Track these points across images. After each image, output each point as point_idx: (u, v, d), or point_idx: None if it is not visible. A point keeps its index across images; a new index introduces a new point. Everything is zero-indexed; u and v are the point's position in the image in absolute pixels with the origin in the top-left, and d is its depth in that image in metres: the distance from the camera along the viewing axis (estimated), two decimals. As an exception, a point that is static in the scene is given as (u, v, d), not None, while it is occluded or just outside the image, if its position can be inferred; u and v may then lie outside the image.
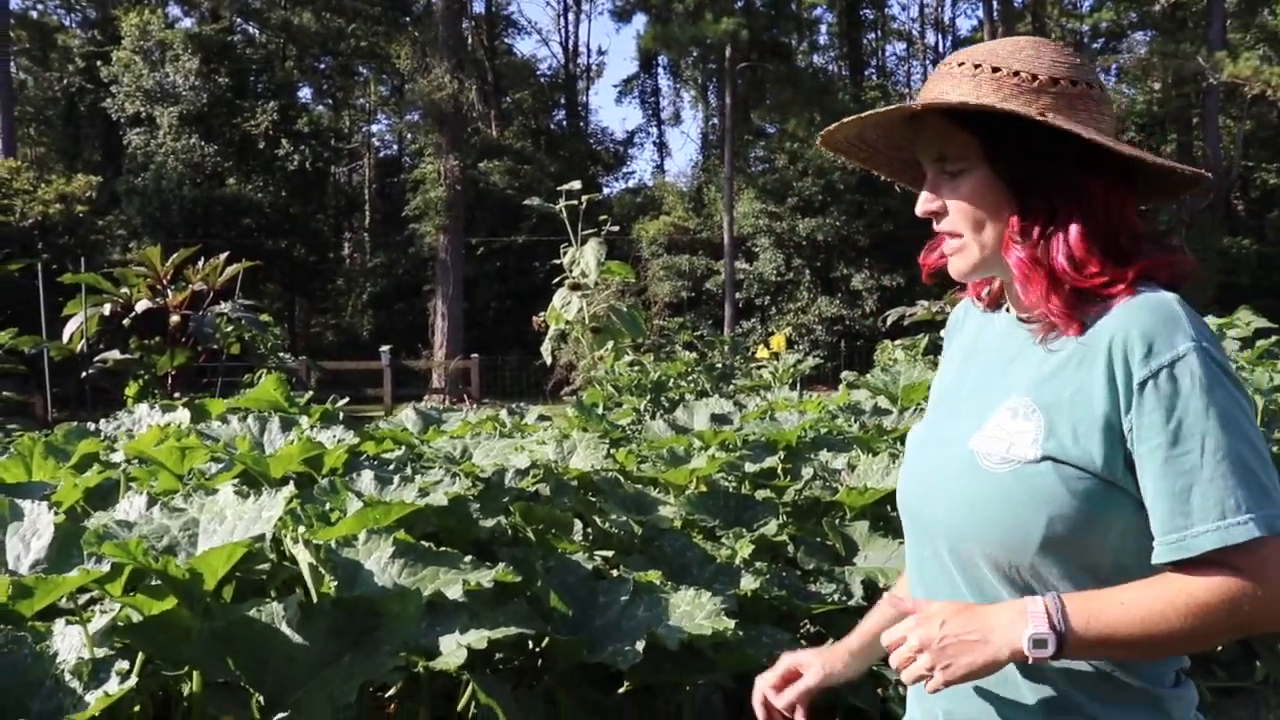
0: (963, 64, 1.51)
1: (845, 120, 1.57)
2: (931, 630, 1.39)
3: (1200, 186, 1.58)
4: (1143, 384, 1.38)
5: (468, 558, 2.27)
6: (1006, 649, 1.36)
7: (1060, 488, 1.41)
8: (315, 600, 2.10)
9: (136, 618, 1.99)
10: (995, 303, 1.67)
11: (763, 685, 1.82)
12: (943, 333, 1.85)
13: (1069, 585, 1.43)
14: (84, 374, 6.77)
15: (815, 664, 1.79)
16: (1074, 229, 1.46)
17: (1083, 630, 1.36)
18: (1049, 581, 1.44)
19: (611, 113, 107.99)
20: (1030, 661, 1.36)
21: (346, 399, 4.04)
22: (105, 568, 1.86)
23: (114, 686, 1.63)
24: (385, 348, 23.97)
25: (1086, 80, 1.50)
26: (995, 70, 1.48)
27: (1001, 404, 1.50)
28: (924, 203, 1.57)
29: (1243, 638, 1.38)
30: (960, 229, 1.54)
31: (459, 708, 2.52)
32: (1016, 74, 1.48)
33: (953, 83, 1.51)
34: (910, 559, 1.67)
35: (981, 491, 1.46)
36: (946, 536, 1.53)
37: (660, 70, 48.47)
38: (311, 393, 4.28)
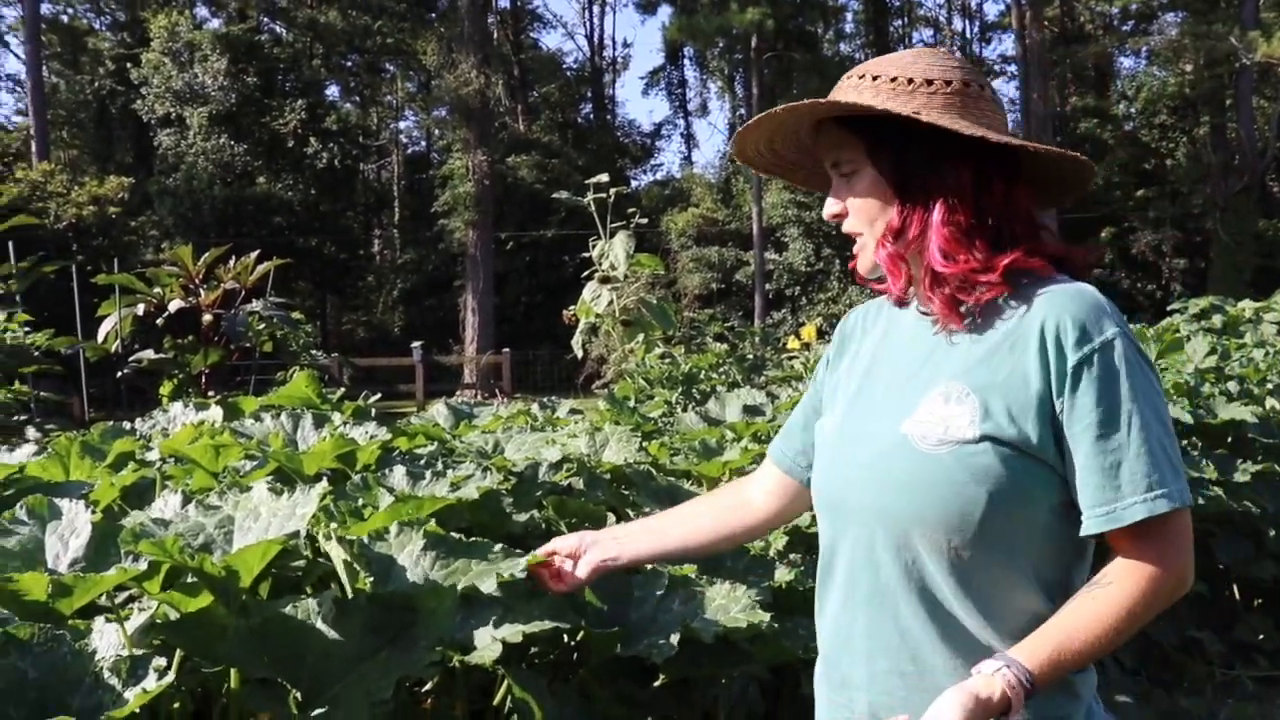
0: (861, 76, 1.63)
1: (748, 124, 1.69)
2: None
3: (1088, 178, 1.67)
4: (1076, 367, 1.47)
5: (499, 547, 2.27)
6: None
7: (999, 466, 1.48)
8: (350, 596, 2.11)
9: (173, 615, 2.01)
10: (902, 297, 1.73)
11: (560, 547, 2.06)
12: (831, 340, 1.94)
13: (1000, 561, 1.50)
14: (119, 374, 6.82)
15: (611, 545, 2.03)
16: (943, 219, 1.56)
17: (1047, 682, 1.45)
18: (983, 558, 1.51)
19: (638, 105, 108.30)
20: None
21: (379, 395, 4.05)
22: (142, 566, 1.87)
23: (152, 683, 1.64)
24: (416, 344, 24.06)
25: (964, 80, 1.60)
26: (876, 78, 1.60)
27: (931, 390, 1.56)
28: (829, 207, 1.69)
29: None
30: (859, 228, 1.65)
31: (495, 702, 2.52)
32: (894, 79, 1.59)
33: (844, 93, 1.63)
34: (825, 553, 1.72)
35: (921, 473, 1.52)
36: (881, 522, 1.58)
37: (686, 61, 48.45)
38: (344, 389, 4.30)
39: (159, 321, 7.00)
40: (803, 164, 1.81)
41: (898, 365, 1.66)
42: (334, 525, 2.28)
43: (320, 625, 1.97)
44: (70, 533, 2.07)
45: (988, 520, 1.48)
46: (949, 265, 1.55)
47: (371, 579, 2.13)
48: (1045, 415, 1.48)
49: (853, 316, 1.88)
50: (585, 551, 2.04)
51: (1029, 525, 1.51)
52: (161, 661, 1.70)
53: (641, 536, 2.05)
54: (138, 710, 1.73)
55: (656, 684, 2.69)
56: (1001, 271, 1.54)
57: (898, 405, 1.60)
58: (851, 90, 1.62)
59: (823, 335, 9.34)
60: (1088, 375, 1.47)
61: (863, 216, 1.64)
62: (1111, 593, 1.47)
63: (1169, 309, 9.06)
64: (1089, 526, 1.49)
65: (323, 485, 2.12)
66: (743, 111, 42.27)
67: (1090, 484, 1.48)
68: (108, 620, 1.91)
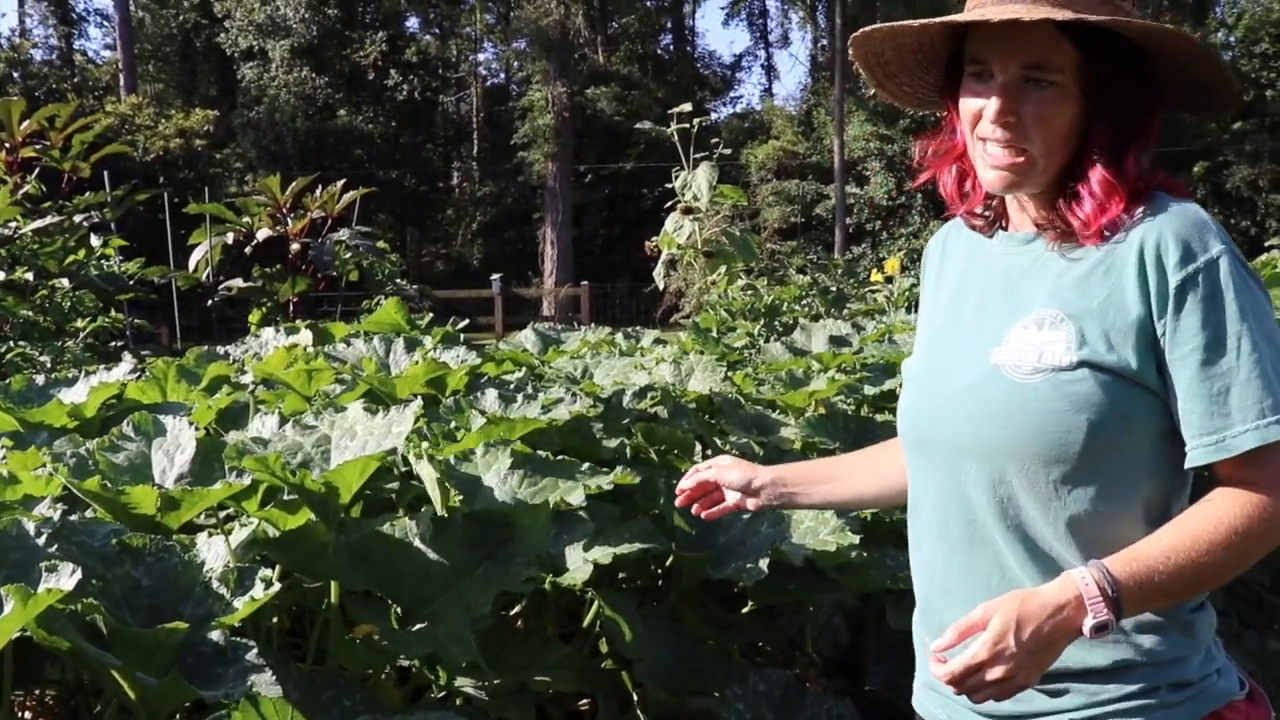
0: None
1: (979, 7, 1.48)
2: (1005, 657, 1.31)
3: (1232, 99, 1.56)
4: (1180, 287, 1.39)
5: (585, 465, 2.28)
6: (1068, 643, 1.34)
7: (1099, 393, 1.40)
8: (445, 515, 2.14)
9: (272, 533, 2.05)
10: (992, 224, 1.64)
11: (725, 479, 1.90)
12: (920, 266, 1.82)
13: (1101, 494, 1.43)
14: (210, 301, 6.94)
15: (787, 493, 1.88)
16: (1140, 149, 1.48)
17: (1136, 599, 1.34)
18: (1082, 492, 1.44)
19: (719, 36, 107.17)
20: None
21: (466, 323, 4.08)
22: (246, 481, 1.91)
23: (260, 592, 1.68)
24: (495, 276, 24.20)
25: None
26: None
27: (1022, 317, 1.49)
28: (1002, 112, 1.47)
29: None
30: (1030, 144, 1.48)
31: (584, 625, 2.56)
32: None
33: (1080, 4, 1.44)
34: (917, 488, 1.64)
35: (1016, 403, 1.45)
36: (977, 457, 1.50)
37: (768, -9, 47.57)
38: (432, 317, 4.34)
39: (247, 250, 7.07)
40: (913, 67, 1.65)
41: (986, 292, 1.58)
42: (425, 445, 2.31)
43: (418, 543, 2.01)
44: (176, 449, 2.12)
45: (1087, 450, 1.41)
46: (1121, 184, 1.46)
47: (461, 498, 2.15)
48: (1146, 340, 1.41)
49: (932, 245, 1.79)
50: (759, 490, 1.88)
51: (1131, 455, 1.43)
52: (269, 572, 1.74)
53: (816, 487, 1.90)
54: (243, 620, 1.78)
55: (745, 610, 2.70)
56: (1135, 191, 1.46)
57: (986, 334, 1.52)
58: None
59: (905, 269, 9.22)
60: (1192, 296, 1.39)
61: (1048, 132, 1.47)
62: (1218, 517, 1.38)
63: (1266, 245, 8.79)
64: (1196, 456, 1.41)
65: (417, 404, 2.15)
66: (824, 42, 41.54)
67: (1196, 411, 1.39)
68: (211, 535, 1.96)
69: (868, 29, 1.57)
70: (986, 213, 1.64)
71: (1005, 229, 1.62)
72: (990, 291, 1.57)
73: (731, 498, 1.92)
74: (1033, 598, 1.34)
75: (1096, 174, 1.47)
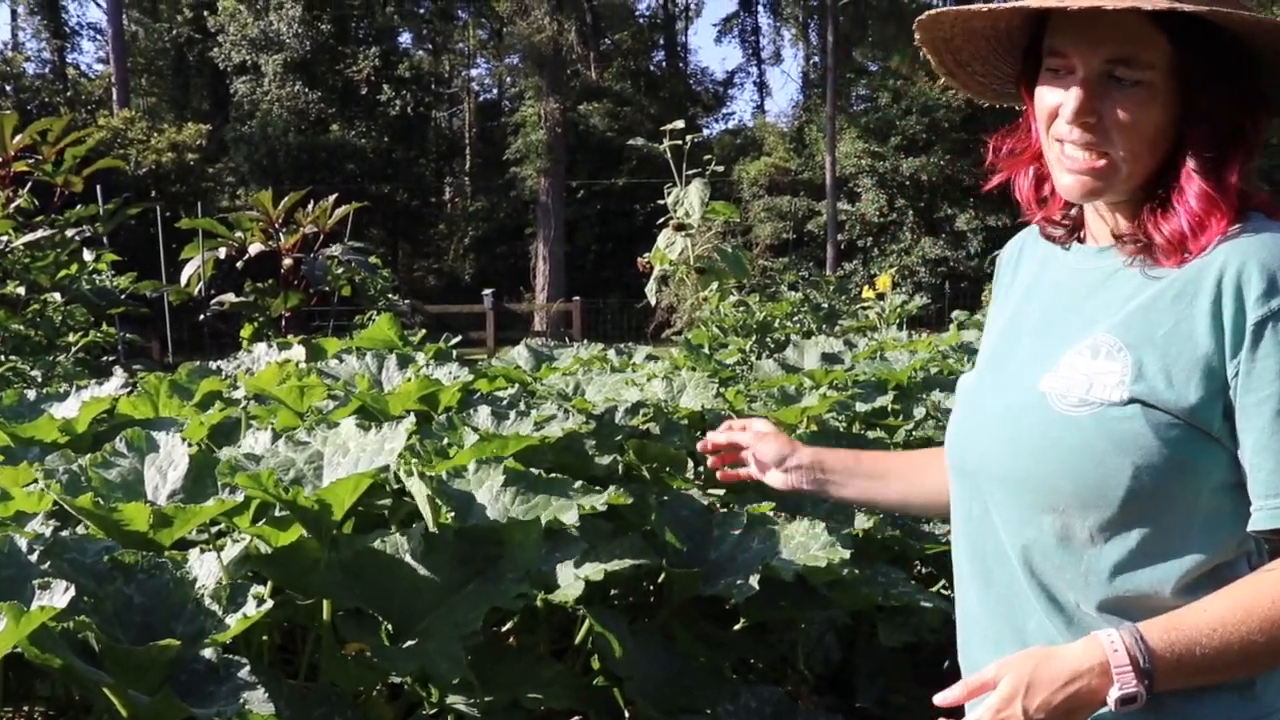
0: None
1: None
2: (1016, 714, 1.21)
3: None
4: (1259, 324, 1.22)
5: (578, 483, 2.29)
6: (1089, 714, 1.22)
7: (1149, 434, 1.24)
8: (436, 531, 2.14)
9: (264, 549, 2.05)
10: (1069, 234, 1.48)
11: (754, 446, 1.85)
12: (995, 273, 1.67)
13: (1142, 550, 1.28)
14: (202, 316, 6.94)
15: (822, 479, 1.81)
16: (1243, 160, 1.31)
17: (1173, 672, 1.20)
18: (1120, 544, 1.28)
19: (711, 53, 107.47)
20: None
21: (459, 339, 4.09)
22: (239, 498, 1.92)
23: (252, 609, 1.68)
24: (487, 291, 24.20)
25: None
26: None
27: (1078, 342, 1.33)
28: (1080, 112, 1.31)
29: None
30: (1114, 148, 1.31)
31: (576, 642, 2.56)
32: None
33: None
34: (958, 515, 1.51)
35: (1056, 437, 1.30)
36: (1008, 489, 1.37)
37: (760, 8, 47.93)
38: (424, 333, 4.35)
39: (239, 265, 7.08)
40: (987, 55, 1.48)
41: (1050, 309, 1.43)
42: (415, 463, 2.31)
43: (409, 559, 2.01)
44: (168, 465, 2.12)
45: (1131, 497, 1.25)
46: (1223, 199, 1.29)
47: (453, 515, 2.16)
48: (1213, 380, 1.24)
49: (1007, 251, 1.62)
50: (792, 469, 1.80)
51: (1182, 508, 1.27)
52: (261, 589, 1.74)
53: (857, 481, 1.80)
54: (235, 637, 1.78)
55: (737, 627, 2.71)
56: (1236, 208, 1.29)
57: (1041, 356, 1.38)
58: None
59: (896, 286, 9.24)
60: (1272, 335, 1.21)
61: (1134, 136, 1.30)
62: (1278, 591, 1.20)
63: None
64: (1261, 519, 1.24)
65: (410, 421, 2.15)
66: (816, 59, 41.72)
67: (1266, 467, 1.23)
68: (204, 551, 1.96)
69: (935, 12, 1.39)
70: (1065, 221, 1.48)
71: (1083, 240, 1.47)
72: (1054, 308, 1.43)
73: (753, 470, 1.85)
74: (1050, 661, 1.21)
75: (1194, 186, 1.30)
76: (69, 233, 6.02)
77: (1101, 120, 1.30)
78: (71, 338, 5.92)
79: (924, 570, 3.25)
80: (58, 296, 5.84)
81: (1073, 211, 1.47)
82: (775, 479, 1.84)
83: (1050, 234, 1.50)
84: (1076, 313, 1.38)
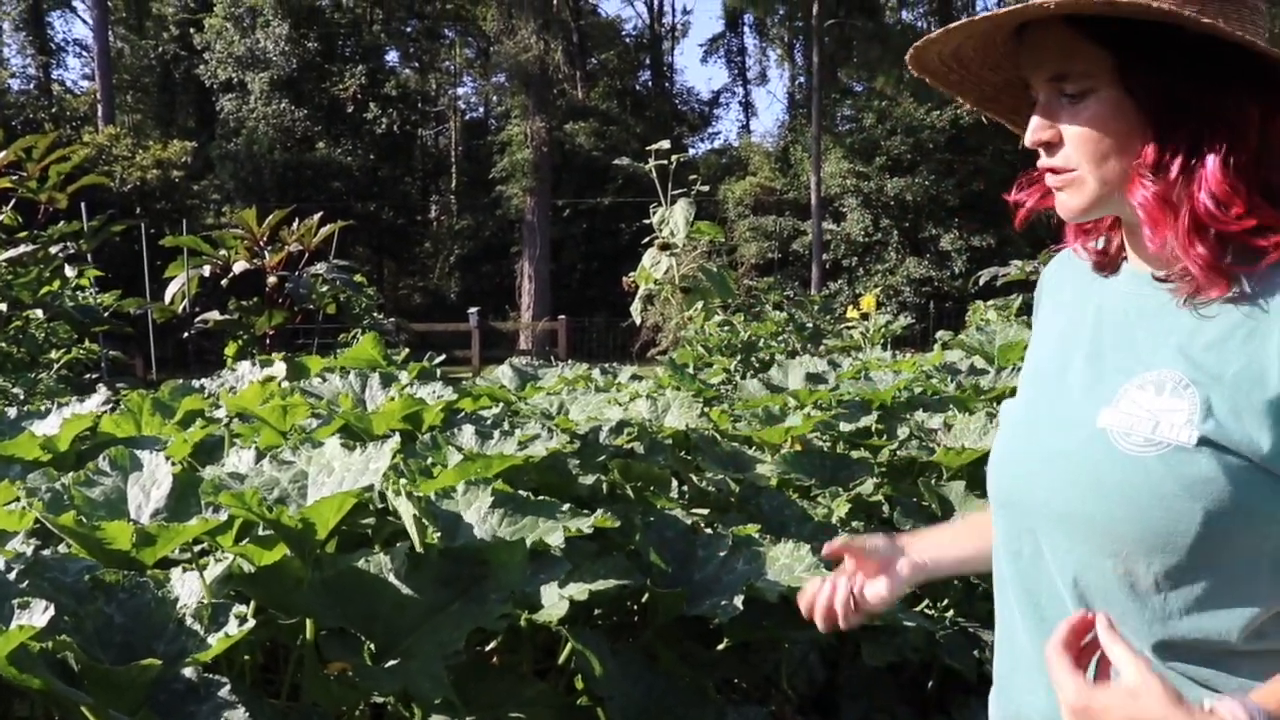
0: None
1: (950, 27, 1.31)
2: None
3: None
4: None
5: (565, 506, 2.29)
6: None
7: (1220, 478, 1.16)
8: (421, 551, 2.14)
9: (247, 568, 2.05)
10: (1111, 259, 1.40)
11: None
12: (1035, 293, 1.58)
13: (1210, 593, 1.20)
14: (185, 334, 6.93)
15: (900, 573, 1.60)
16: (1220, 161, 1.21)
17: None
18: (1187, 589, 1.21)
19: (697, 73, 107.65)
20: None
21: (443, 357, 4.09)
22: (223, 517, 1.91)
23: (234, 629, 1.68)
24: (473, 309, 24.17)
25: None
26: None
27: (1138, 376, 1.25)
28: (1036, 130, 1.30)
29: None
30: (1077, 162, 1.28)
31: (559, 662, 2.55)
32: None
33: None
34: (1004, 551, 1.42)
35: (1120, 478, 1.22)
36: (1065, 531, 1.29)
37: (746, 29, 48.13)
38: (409, 351, 4.35)
39: (224, 283, 7.08)
40: (994, 80, 1.44)
41: (1100, 337, 1.35)
42: (403, 482, 2.31)
43: (393, 579, 2.01)
44: (152, 484, 2.11)
45: (1200, 544, 1.18)
46: (1221, 215, 1.20)
47: (439, 535, 2.16)
48: None
49: (1049, 271, 1.54)
50: (897, 564, 1.63)
51: (1250, 552, 1.19)
52: (243, 609, 1.74)
53: (948, 550, 1.66)
54: (216, 657, 1.77)
55: (720, 647, 2.71)
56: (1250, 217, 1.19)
57: (1096, 389, 1.29)
58: None
59: (881, 306, 9.27)
60: None
61: (1089, 148, 1.27)
62: None
63: None
64: None
65: (395, 441, 2.15)
66: (802, 80, 41.92)
67: None
68: (186, 570, 1.95)
69: (919, 46, 1.37)
70: (1095, 247, 1.42)
71: (1126, 260, 1.39)
72: (1105, 336, 1.34)
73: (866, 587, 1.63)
74: (1148, 709, 1.09)
75: (1138, 195, 1.25)
76: (52, 249, 6.01)
77: (1063, 139, 1.29)
78: (54, 355, 5.90)
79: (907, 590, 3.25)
80: (40, 313, 5.83)
81: (1110, 238, 1.41)
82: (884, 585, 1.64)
83: (1090, 260, 1.43)
84: (1132, 342, 1.30)
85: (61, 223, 6.41)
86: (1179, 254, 1.24)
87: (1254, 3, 1.24)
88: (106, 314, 6.48)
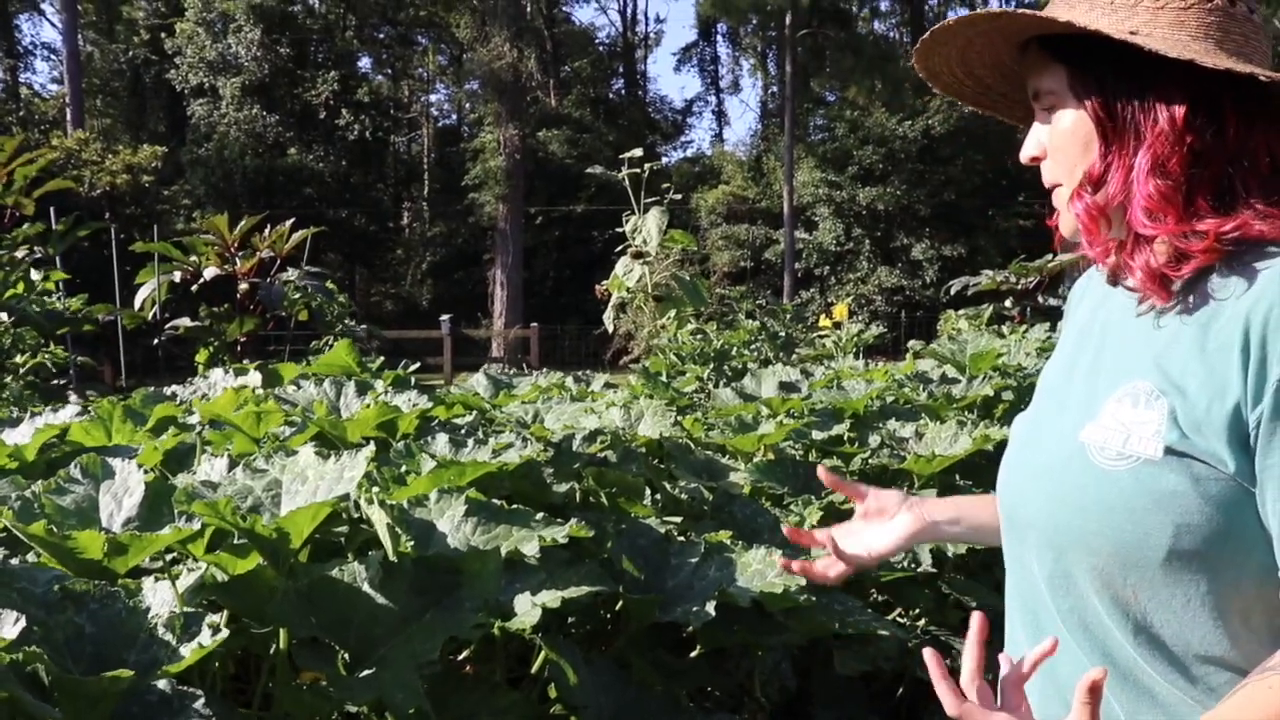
0: None
1: (928, 36, 1.36)
2: None
3: None
4: None
5: (539, 515, 2.29)
6: None
7: (1190, 490, 1.16)
8: (395, 560, 2.13)
9: (220, 577, 2.03)
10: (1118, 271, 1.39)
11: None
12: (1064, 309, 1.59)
13: (1191, 606, 1.19)
14: (156, 341, 6.88)
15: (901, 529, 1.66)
16: (1151, 167, 1.21)
17: None
18: (1165, 608, 1.20)
19: (670, 81, 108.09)
20: None
21: (418, 365, 4.08)
22: (196, 526, 1.90)
23: (207, 639, 1.67)
24: (445, 317, 24.13)
25: None
26: None
27: (1119, 388, 1.25)
28: (1026, 147, 1.36)
29: None
30: (1058, 177, 1.33)
31: (533, 670, 2.55)
32: None
33: (1056, 7, 1.29)
34: (1007, 558, 1.45)
35: (1093, 492, 1.23)
36: (1047, 544, 1.31)
37: (719, 38, 48.33)
38: (382, 359, 4.33)
39: (194, 289, 7.04)
40: (1009, 92, 1.46)
41: (1101, 351, 1.35)
42: (376, 490, 2.30)
43: (367, 588, 2.00)
44: (124, 492, 2.10)
45: (1174, 558, 1.17)
46: (1154, 225, 1.21)
47: (413, 543, 2.15)
48: (1241, 433, 1.14)
49: (1076, 286, 1.53)
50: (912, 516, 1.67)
51: (1229, 564, 1.17)
52: (216, 618, 1.73)
53: (966, 510, 1.68)
54: (188, 668, 1.76)
55: (693, 654, 2.71)
56: (1215, 237, 1.18)
57: (1086, 403, 1.30)
58: (1063, 4, 1.28)
59: (853, 314, 9.32)
60: None
61: (1062, 161, 1.31)
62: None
63: None
64: None
65: (370, 449, 2.14)
66: (774, 89, 42.09)
67: None
68: (158, 579, 1.94)
69: (922, 52, 1.40)
70: (1112, 259, 1.39)
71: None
72: (1104, 351, 1.34)
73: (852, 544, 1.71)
74: None
75: (1077, 206, 1.29)
76: (18, 253, 5.96)
77: (1046, 151, 1.35)
78: (20, 359, 5.84)
79: (880, 598, 3.26)
80: (5, 317, 5.77)
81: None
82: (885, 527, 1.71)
83: (1108, 274, 1.40)
84: (1118, 357, 1.31)
85: (27, 224, 6.35)
86: (1123, 265, 1.28)
87: (1234, 12, 1.24)
88: (74, 318, 6.41)
